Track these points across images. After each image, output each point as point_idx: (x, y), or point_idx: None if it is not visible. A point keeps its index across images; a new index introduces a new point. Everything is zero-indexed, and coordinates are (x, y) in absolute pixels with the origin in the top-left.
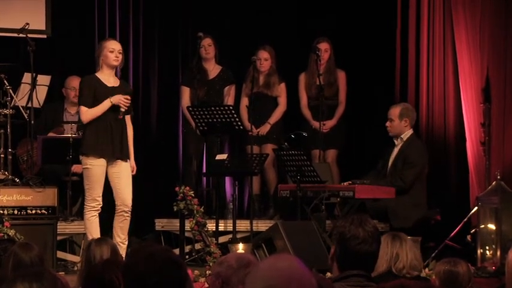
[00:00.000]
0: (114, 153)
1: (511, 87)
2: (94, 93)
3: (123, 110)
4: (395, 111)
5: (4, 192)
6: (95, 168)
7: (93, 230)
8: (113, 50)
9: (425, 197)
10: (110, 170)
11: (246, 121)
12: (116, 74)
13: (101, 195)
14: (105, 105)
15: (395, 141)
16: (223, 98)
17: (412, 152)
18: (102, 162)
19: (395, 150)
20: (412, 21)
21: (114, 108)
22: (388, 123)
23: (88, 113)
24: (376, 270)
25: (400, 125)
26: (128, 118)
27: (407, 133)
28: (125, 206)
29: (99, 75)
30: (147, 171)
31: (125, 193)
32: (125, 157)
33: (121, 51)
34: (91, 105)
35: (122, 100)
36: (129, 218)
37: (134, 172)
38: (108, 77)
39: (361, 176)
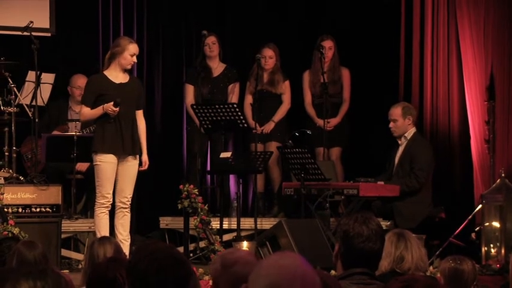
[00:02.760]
0: (125, 149)
1: None
2: (100, 91)
3: (111, 117)
4: (397, 110)
5: (9, 190)
6: (104, 165)
7: (102, 228)
8: (133, 55)
9: (431, 197)
10: (119, 166)
11: (250, 119)
12: (131, 72)
13: (110, 192)
14: (99, 111)
15: (398, 141)
16: (228, 96)
17: (419, 152)
18: (112, 158)
19: (400, 150)
20: (416, 19)
21: (122, 104)
22: (391, 124)
23: (85, 114)
24: (379, 269)
25: (404, 124)
26: (139, 113)
27: (411, 131)
28: (123, 204)
29: (107, 72)
30: (152, 169)
31: (126, 190)
32: (136, 153)
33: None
34: (93, 105)
35: (109, 109)
36: (128, 214)
37: (147, 167)
38: (117, 74)
39: (368, 174)
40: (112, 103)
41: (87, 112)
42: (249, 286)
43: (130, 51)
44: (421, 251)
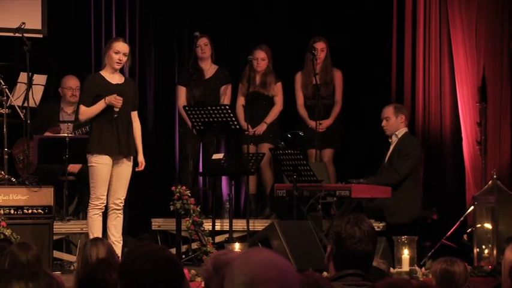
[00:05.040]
0: (121, 151)
1: (507, 86)
2: (97, 91)
3: (116, 109)
4: (389, 109)
5: (0, 191)
6: (100, 166)
7: (95, 229)
8: (117, 52)
9: (420, 194)
10: (113, 167)
11: (243, 121)
12: (123, 73)
13: (105, 194)
14: (100, 105)
15: (390, 140)
16: (220, 98)
17: (406, 145)
18: (107, 160)
19: (391, 148)
20: (408, 20)
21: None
22: (384, 123)
23: (85, 113)
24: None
25: (396, 122)
26: (134, 114)
27: (402, 130)
28: (116, 205)
29: (103, 72)
30: (144, 170)
31: (120, 191)
32: (131, 154)
33: (126, 54)
34: (91, 104)
35: (113, 100)
36: (121, 216)
37: (143, 167)
38: (112, 74)
39: (360, 176)
40: (115, 94)
41: (87, 111)
42: (226, 287)
43: (114, 49)
44: None
